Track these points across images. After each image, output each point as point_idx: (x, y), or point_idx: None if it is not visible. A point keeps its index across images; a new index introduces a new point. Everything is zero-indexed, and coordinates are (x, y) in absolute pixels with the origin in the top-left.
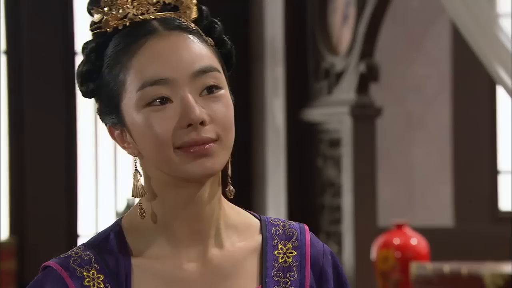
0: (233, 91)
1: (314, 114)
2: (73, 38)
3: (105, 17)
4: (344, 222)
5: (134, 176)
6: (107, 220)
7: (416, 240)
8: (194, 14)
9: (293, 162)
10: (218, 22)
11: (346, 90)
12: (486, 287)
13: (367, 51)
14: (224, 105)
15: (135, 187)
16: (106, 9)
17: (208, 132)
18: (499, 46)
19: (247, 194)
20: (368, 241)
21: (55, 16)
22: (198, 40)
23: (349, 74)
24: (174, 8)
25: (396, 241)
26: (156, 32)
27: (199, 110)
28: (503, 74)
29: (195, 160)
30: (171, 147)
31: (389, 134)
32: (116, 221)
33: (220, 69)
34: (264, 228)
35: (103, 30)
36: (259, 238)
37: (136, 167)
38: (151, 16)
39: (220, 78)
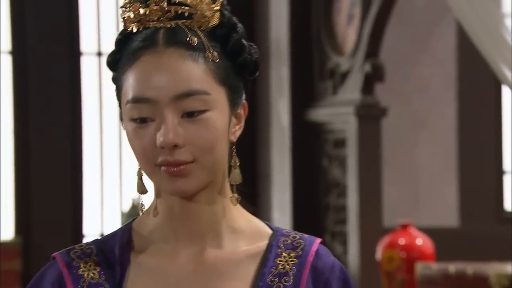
0: None
1: (319, 114)
2: (78, 38)
3: (125, 17)
4: (349, 222)
5: (138, 173)
6: (112, 220)
7: (421, 240)
8: (213, 22)
9: (298, 162)
10: (239, 31)
11: (351, 90)
12: (492, 287)
13: (372, 51)
14: (205, 127)
15: (138, 184)
16: (125, 10)
17: (182, 154)
18: (504, 46)
19: (252, 194)
20: (373, 241)
21: (60, 16)
22: (193, 59)
23: (354, 74)
24: (188, 17)
25: (401, 241)
26: (154, 47)
27: (172, 134)
28: (508, 73)
29: (170, 178)
30: (152, 163)
31: (394, 134)
32: (131, 219)
33: (213, 88)
34: (273, 237)
35: (124, 27)
36: (263, 245)
37: (139, 165)
38: (161, 25)
39: (207, 100)
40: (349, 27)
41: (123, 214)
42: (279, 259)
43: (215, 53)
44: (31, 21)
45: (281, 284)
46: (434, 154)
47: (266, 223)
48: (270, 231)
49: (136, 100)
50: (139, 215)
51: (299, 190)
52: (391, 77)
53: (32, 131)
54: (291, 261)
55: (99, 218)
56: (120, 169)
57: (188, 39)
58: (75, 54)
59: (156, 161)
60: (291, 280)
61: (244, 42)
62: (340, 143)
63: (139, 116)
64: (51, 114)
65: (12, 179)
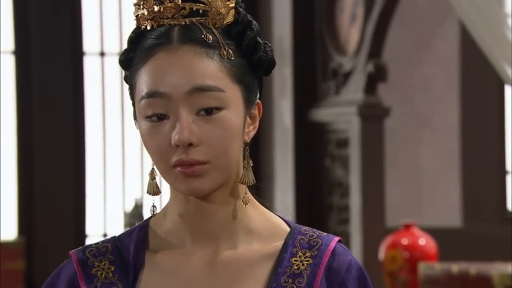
0: None
1: (322, 114)
2: (82, 38)
3: (138, 14)
4: (352, 222)
5: (151, 175)
6: (115, 220)
7: (424, 240)
8: (228, 19)
9: (301, 162)
10: (254, 28)
11: (354, 90)
12: (495, 287)
13: (375, 51)
14: (220, 126)
15: (150, 185)
16: (139, 7)
17: (197, 154)
18: (507, 46)
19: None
20: (376, 241)
21: (63, 16)
22: (208, 55)
23: (357, 74)
24: (203, 14)
25: (404, 241)
26: (169, 44)
27: (187, 132)
28: (511, 73)
29: (184, 178)
30: (167, 163)
31: (397, 134)
32: (149, 216)
33: (228, 86)
34: (289, 236)
35: (137, 25)
36: (279, 244)
37: (152, 165)
38: (175, 22)
39: (223, 97)
40: (352, 27)
41: (125, 214)
42: (294, 258)
43: (230, 51)
44: (34, 21)
45: (295, 285)
46: (437, 154)
47: (285, 220)
48: (287, 229)
49: (150, 95)
50: (141, 215)
51: (302, 190)
52: (394, 77)
53: (35, 131)
54: (306, 261)
55: (102, 218)
56: (123, 169)
57: (203, 36)
58: (78, 54)
59: (171, 160)
60: (305, 281)
61: (259, 40)
62: (343, 143)
63: (154, 112)
64: (54, 114)
65: (15, 178)
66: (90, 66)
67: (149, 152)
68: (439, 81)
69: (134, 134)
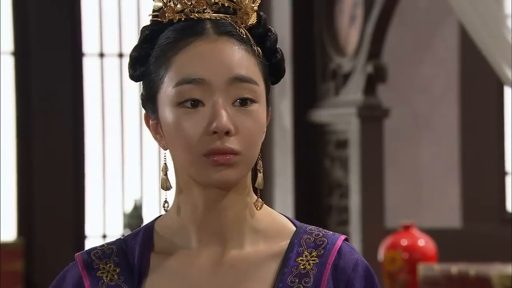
0: None
1: (322, 115)
2: (81, 39)
3: (164, 7)
4: (352, 223)
5: (163, 170)
6: (114, 221)
7: (423, 241)
8: (252, 21)
9: (301, 163)
10: (274, 32)
11: (354, 91)
12: None
13: (375, 52)
14: (253, 120)
15: (163, 180)
16: (162, 1)
17: (232, 143)
18: (506, 47)
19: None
20: (376, 242)
21: (63, 16)
22: (244, 49)
23: (357, 75)
24: (232, 12)
25: (404, 242)
26: (205, 34)
27: (226, 119)
28: (510, 74)
29: (214, 168)
30: (198, 153)
31: (397, 135)
32: (155, 218)
33: (260, 82)
34: (295, 235)
35: (160, 19)
36: (285, 244)
37: (165, 161)
38: (206, 16)
39: (257, 91)
40: (351, 28)
41: (125, 215)
42: (300, 258)
43: (259, 49)
44: (34, 22)
45: (301, 285)
46: (436, 155)
47: (291, 220)
48: (293, 229)
49: (188, 81)
50: (141, 216)
51: (302, 191)
52: (394, 78)
53: (34, 132)
54: (312, 260)
55: (101, 219)
56: (122, 170)
57: (237, 31)
58: (77, 55)
59: (202, 149)
60: (312, 281)
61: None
62: (343, 144)
63: (189, 97)
64: (53, 115)
65: (14, 179)
66: (90, 67)
67: (176, 142)
68: (439, 82)
69: (133, 135)
